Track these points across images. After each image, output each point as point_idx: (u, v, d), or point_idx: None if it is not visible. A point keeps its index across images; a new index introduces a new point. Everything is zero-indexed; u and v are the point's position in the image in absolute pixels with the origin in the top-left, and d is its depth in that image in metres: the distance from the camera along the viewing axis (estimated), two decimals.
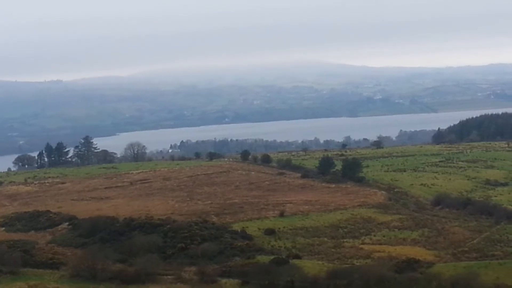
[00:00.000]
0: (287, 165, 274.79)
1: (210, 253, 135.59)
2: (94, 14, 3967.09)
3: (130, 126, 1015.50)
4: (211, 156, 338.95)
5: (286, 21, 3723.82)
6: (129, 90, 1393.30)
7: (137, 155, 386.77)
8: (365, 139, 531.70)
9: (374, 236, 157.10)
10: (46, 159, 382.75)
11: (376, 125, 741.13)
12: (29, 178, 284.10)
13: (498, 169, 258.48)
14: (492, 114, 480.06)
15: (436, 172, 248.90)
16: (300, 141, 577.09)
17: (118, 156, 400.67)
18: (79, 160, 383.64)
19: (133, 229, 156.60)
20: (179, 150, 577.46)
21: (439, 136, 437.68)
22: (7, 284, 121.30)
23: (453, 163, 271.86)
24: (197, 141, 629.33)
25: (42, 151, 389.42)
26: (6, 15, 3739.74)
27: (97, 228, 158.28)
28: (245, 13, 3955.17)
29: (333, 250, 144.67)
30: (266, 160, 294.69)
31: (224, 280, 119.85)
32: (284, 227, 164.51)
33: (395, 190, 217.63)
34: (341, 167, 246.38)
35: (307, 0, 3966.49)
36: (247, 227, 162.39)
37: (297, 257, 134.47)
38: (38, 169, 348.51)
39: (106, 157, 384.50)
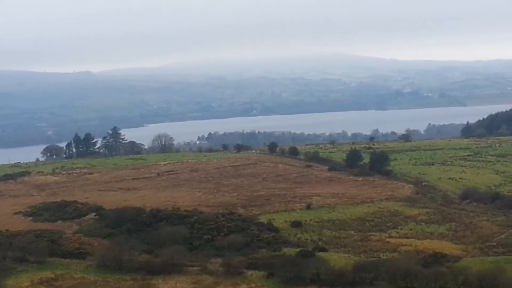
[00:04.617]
0: (314, 158, 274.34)
1: (236, 245, 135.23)
2: (123, 7, 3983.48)
3: (158, 118, 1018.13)
4: (239, 148, 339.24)
5: (315, 14, 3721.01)
6: (158, 81, 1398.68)
7: (164, 146, 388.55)
8: (393, 132, 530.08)
9: (401, 229, 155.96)
10: (74, 149, 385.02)
11: (404, 119, 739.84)
12: (57, 168, 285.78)
13: None
14: None
15: (465, 166, 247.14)
16: (327, 134, 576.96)
17: (146, 147, 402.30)
18: (106, 151, 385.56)
19: (159, 220, 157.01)
20: (206, 141, 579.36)
21: (467, 130, 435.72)
22: (34, 273, 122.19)
23: (482, 157, 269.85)
24: (224, 133, 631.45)
25: (70, 141, 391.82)
26: (36, 10, 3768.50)
27: (123, 219, 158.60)
28: (275, 7, 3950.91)
29: (359, 243, 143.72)
30: (293, 152, 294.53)
31: (250, 272, 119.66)
32: (310, 219, 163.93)
33: (423, 183, 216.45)
34: (368, 160, 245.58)
35: None
36: (273, 219, 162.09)
37: (323, 249, 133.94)
38: (66, 160, 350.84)
39: (133, 148, 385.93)
